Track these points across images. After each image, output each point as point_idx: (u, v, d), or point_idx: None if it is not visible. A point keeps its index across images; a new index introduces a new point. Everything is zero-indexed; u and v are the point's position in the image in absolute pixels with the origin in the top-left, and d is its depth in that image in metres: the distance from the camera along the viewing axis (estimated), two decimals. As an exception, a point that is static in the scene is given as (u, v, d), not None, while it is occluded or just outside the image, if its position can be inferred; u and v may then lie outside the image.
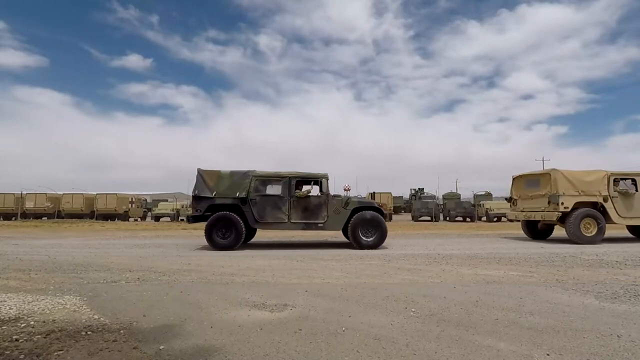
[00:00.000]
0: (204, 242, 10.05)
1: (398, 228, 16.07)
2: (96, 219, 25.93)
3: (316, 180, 8.76)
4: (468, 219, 24.81)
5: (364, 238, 8.31)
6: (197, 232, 14.12)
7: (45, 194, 28.37)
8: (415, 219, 26.32)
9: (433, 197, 30.65)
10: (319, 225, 8.50)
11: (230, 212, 8.25)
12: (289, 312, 3.24)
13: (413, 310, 3.30)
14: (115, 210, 27.56)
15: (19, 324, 2.84)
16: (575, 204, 9.44)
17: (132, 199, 30.77)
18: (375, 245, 8.29)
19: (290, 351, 2.36)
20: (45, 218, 26.54)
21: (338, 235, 11.72)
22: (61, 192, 29.22)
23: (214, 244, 8.16)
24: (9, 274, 5.03)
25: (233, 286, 4.32)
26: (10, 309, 3.27)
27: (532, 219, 10.33)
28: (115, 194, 28.30)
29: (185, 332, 2.72)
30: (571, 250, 7.69)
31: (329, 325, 2.88)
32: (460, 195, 31.46)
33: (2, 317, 3.01)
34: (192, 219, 8.70)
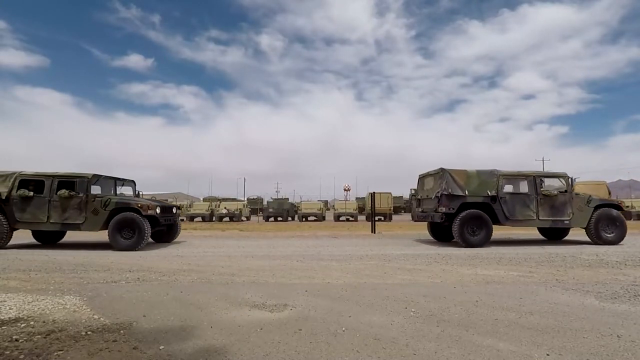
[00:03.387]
0: (202, 242, 10.05)
1: (398, 228, 16.07)
2: (96, 219, 25.88)
3: (555, 178, 9.09)
4: (468, 219, 24.74)
5: (605, 234, 8.76)
6: (197, 233, 14.12)
7: (45, 194, 28.30)
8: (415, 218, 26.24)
9: (433, 197, 30.51)
10: (565, 222, 8.89)
11: (481, 210, 8.55)
12: (289, 312, 3.24)
13: (413, 310, 3.30)
14: (115, 210, 27.46)
15: (19, 324, 2.84)
16: None
17: (132, 199, 30.62)
18: (615, 241, 8.75)
19: (290, 351, 2.36)
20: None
21: (336, 235, 11.70)
22: (61, 192, 29.13)
23: (466, 242, 8.40)
24: (9, 274, 5.03)
25: (233, 286, 4.32)
26: (10, 309, 3.27)
27: None
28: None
29: (185, 332, 2.72)
30: (571, 250, 7.68)
31: (329, 325, 2.88)
32: (460, 195, 31.31)
33: (2, 317, 3.01)
34: (445, 217, 8.92)
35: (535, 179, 8.86)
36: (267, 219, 25.80)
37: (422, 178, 10.24)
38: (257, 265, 5.91)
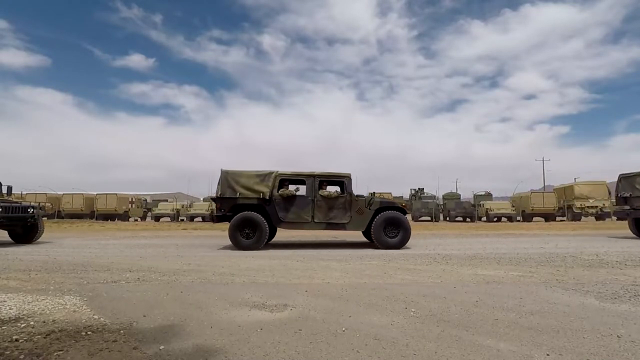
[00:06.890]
0: (202, 241, 10.10)
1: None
2: (96, 219, 25.93)
3: None
4: (468, 219, 24.80)
5: None
6: (197, 233, 14.13)
7: (45, 194, 28.37)
8: (415, 219, 26.30)
9: (433, 197, 30.63)
10: None
11: None
12: (289, 312, 3.24)
13: (413, 310, 3.30)
14: (115, 210, 27.57)
15: (19, 324, 2.84)
16: None
17: (132, 199, 30.82)
18: None
19: (290, 351, 2.36)
20: (45, 218, 26.48)
21: (336, 235, 11.71)
22: (61, 192, 29.25)
23: None
24: (9, 274, 5.03)
25: (233, 286, 4.32)
26: (10, 309, 3.26)
27: None
28: (115, 194, 28.32)
29: (185, 332, 2.72)
30: (571, 250, 7.68)
31: (329, 325, 2.88)
32: (460, 195, 31.44)
33: (2, 317, 3.01)
34: None
35: None
36: (267, 219, 25.77)
37: (632, 177, 10.52)
38: (257, 265, 5.91)
